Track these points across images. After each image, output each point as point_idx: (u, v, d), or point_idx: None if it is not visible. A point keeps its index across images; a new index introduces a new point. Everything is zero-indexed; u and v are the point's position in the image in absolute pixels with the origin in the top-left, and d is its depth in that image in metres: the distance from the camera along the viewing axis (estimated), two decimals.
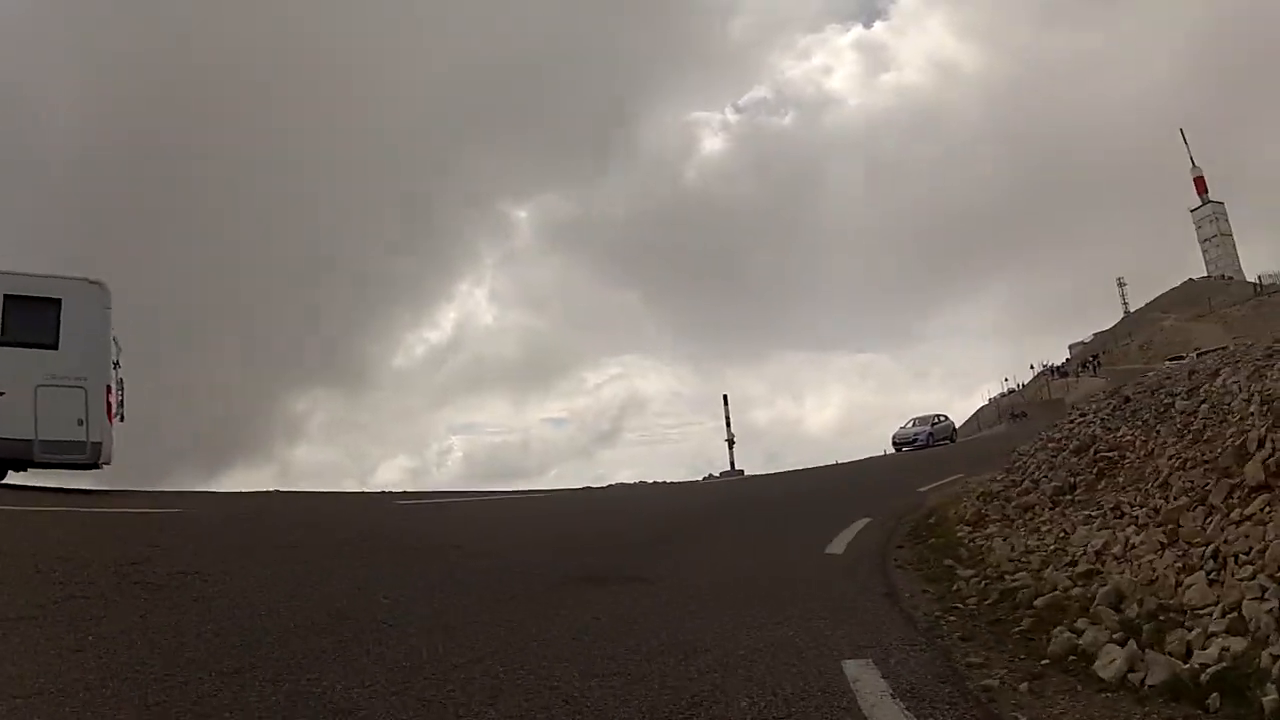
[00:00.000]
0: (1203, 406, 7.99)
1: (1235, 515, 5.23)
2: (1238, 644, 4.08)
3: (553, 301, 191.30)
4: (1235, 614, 4.37)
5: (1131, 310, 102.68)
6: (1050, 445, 11.87)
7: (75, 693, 3.63)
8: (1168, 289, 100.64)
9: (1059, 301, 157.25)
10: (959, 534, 9.26)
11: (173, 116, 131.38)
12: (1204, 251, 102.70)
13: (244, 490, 18.03)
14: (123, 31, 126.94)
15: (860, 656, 4.54)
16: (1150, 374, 18.30)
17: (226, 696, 3.70)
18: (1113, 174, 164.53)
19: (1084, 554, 6.45)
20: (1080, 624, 4.87)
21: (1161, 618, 4.74)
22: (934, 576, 7.19)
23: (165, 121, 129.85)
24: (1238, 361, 9.46)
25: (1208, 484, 5.87)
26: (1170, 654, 4.26)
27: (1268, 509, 5.02)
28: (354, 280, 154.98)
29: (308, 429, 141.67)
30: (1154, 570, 5.42)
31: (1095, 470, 8.86)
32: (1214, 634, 4.29)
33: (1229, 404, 7.49)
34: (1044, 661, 4.54)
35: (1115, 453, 8.89)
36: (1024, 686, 4.15)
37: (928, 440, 40.82)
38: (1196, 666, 4.03)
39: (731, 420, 52.89)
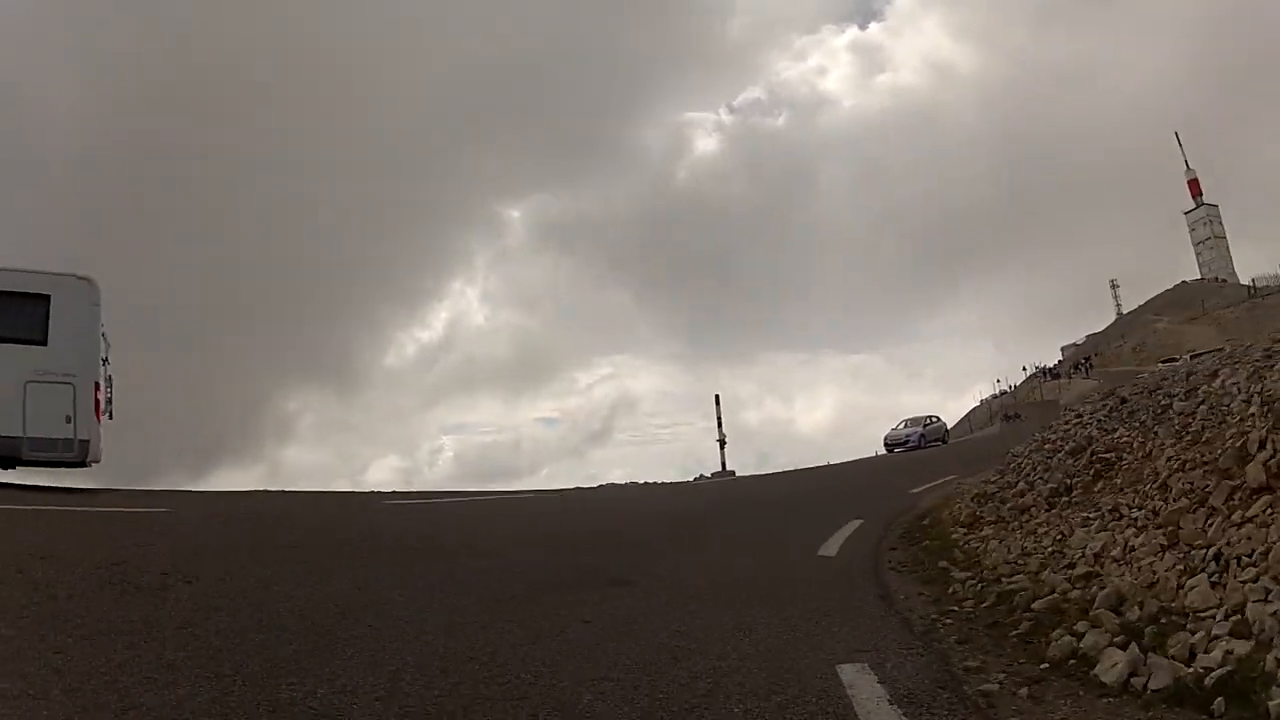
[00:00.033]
0: (1201, 408, 7.92)
1: (1237, 517, 5.17)
2: (1242, 647, 4.01)
3: (544, 301, 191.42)
4: (1238, 617, 4.30)
5: (1124, 312, 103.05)
6: (1045, 446, 11.78)
7: (53, 695, 3.56)
8: (1161, 291, 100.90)
9: (1052, 303, 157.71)
10: (953, 536, 9.19)
11: (172, 116, 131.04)
12: (1198, 254, 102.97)
13: (233, 490, 17.89)
14: (123, 31, 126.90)
15: (856, 661, 4.46)
16: (1144, 375, 18.28)
17: (206, 700, 3.62)
18: (1107, 176, 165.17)
19: (1082, 556, 6.37)
20: (1080, 627, 4.78)
21: (1163, 621, 4.67)
22: (929, 579, 7.10)
23: (165, 121, 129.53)
24: (1236, 362, 9.37)
25: (1208, 485, 5.79)
26: (1173, 658, 4.18)
27: (1270, 511, 4.96)
28: (346, 279, 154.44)
29: (298, 428, 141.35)
30: (1154, 572, 5.34)
31: (1092, 472, 8.78)
32: (1217, 637, 4.22)
33: (1228, 405, 7.41)
34: (1044, 665, 4.45)
35: (1112, 454, 8.80)
36: (1024, 691, 4.06)
37: (920, 441, 40.81)
38: (1200, 670, 3.95)
39: (723, 420, 52.74)
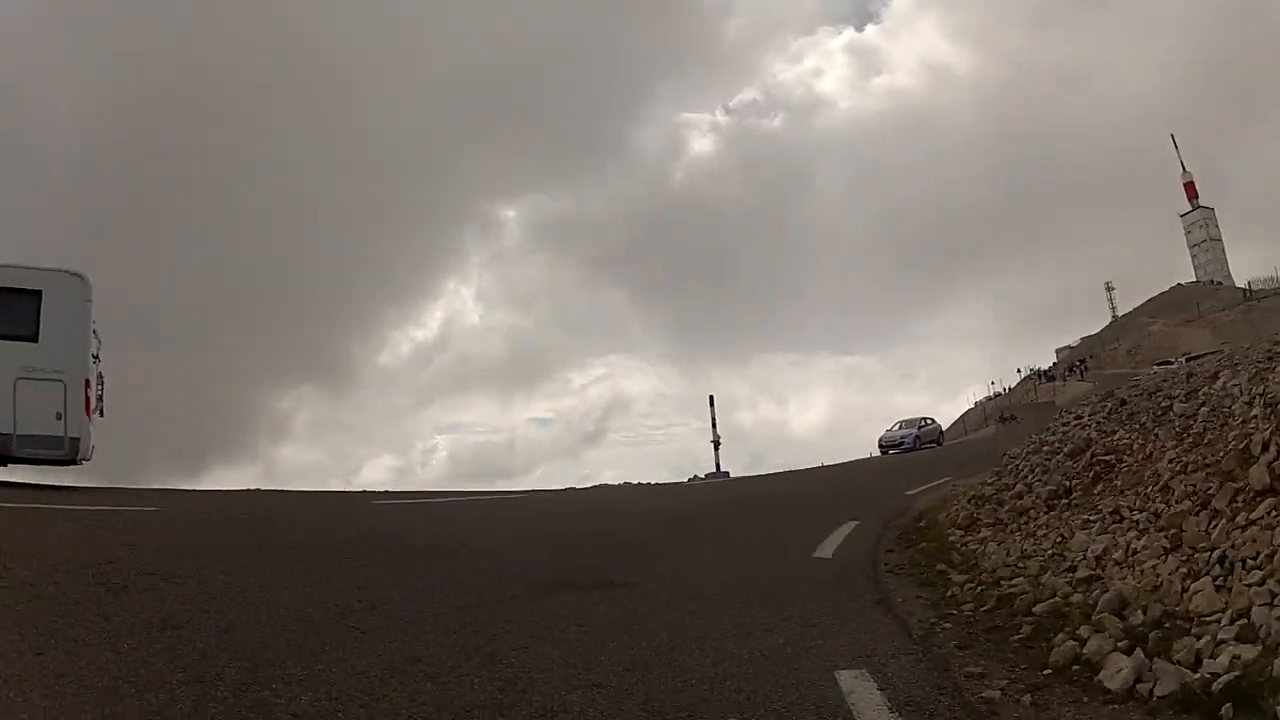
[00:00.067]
0: (1202, 409, 7.86)
1: (1240, 520, 5.08)
2: (1248, 652, 3.91)
3: (539, 301, 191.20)
4: (1244, 621, 4.21)
5: (1119, 315, 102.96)
6: (1043, 448, 11.72)
7: (33, 698, 3.50)
8: (1156, 294, 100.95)
9: (1046, 305, 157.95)
10: (950, 538, 9.10)
11: (172, 116, 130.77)
12: (1193, 257, 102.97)
13: (225, 489, 17.79)
14: (123, 31, 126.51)
15: (854, 667, 4.34)
16: (1140, 378, 18.24)
17: (186, 705, 3.54)
18: (1103, 179, 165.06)
19: (1083, 559, 6.27)
20: (1083, 632, 4.67)
21: (1167, 625, 4.58)
22: (927, 582, 7.01)
23: (164, 121, 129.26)
24: (1237, 364, 9.33)
25: (1210, 488, 5.71)
26: (1179, 663, 4.07)
27: (1274, 513, 4.88)
28: (341, 278, 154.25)
29: (292, 427, 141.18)
30: (1158, 576, 5.25)
31: (1091, 474, 8.71)
32: (1223, 642, 4.12)
33: (1229, 407, 7.36)
34: (1046, 671, 4.34)
35: (1112, 456, 8.74)
36: (1027, 698, 3.96)
37: (914, 443, 40.79)
38: (1207, 676, 3.85)
39: (717, 421, 52.75)
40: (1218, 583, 4.75)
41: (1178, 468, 6.62)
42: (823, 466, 34.73)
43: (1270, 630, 3.99)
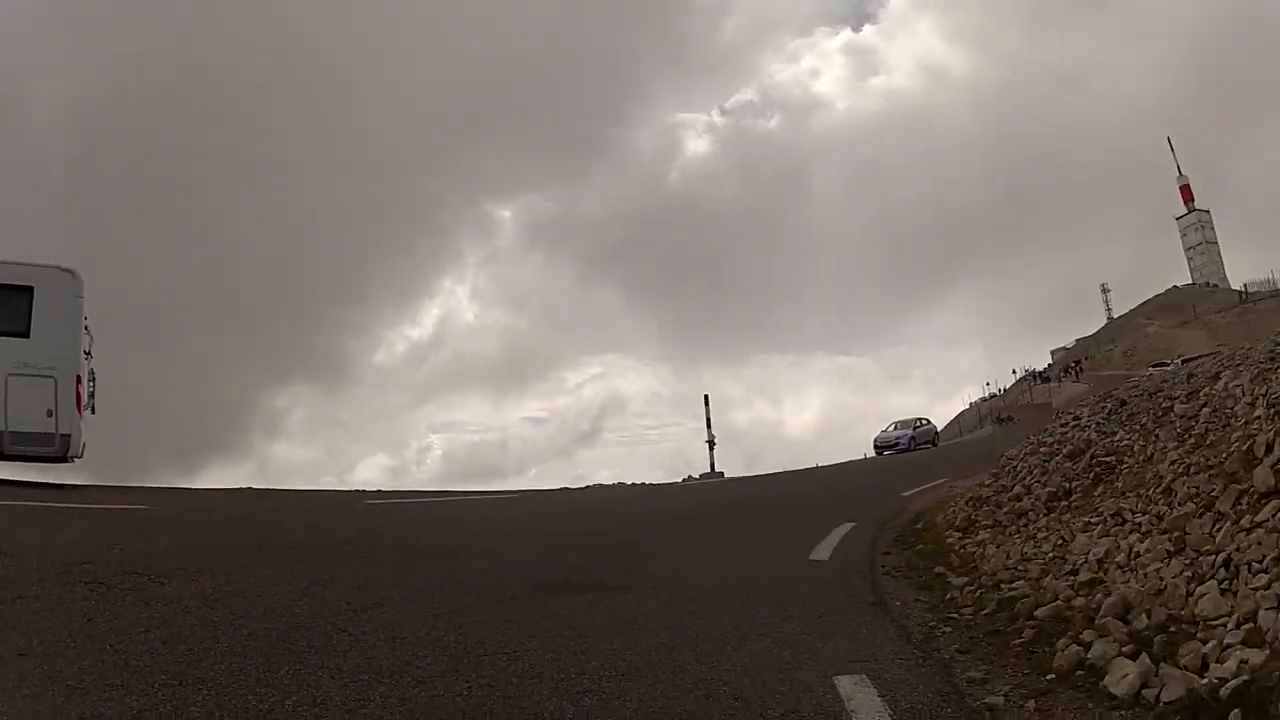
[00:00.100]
0: (1204, 410, 7.79)
1: (1245, 522, 5.00)
2: (1256, 656, 3.82)
3: (534, 300, 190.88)
4: (1251, 625, 4.12)
5: (1115, 316, 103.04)
6: (1042, 450, 11.64)
7: (15, 700, 3.45)
8: (1152, 295, 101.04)
9: (1042, 306, 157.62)
10: (948, 540, 9.00)
11: (171, 116, 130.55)
12: (1189, 259, 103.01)
13: (218, 487, 17.67)
14: (123, 31, 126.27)
15: (853, 672, 4.25)
16: (1134, 379, 18.20)
17: (167, 709, 3.47)
18: (1099, 180, 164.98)
19: (1085, 562, 6.18)
20: (1087, 636, 4.58)
21: (1172, 629, 4.49)
22: (925, 584, 6.92)
23: (164, 121, 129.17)
24: (1238, 364, 9.25)
25: (1214, 490, 5.64)
26: (1185, 668, 3.99)
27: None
28: (336, 276, 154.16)
29: (287, 425, 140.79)
30: (1161, 579, 5.16)
31: (1092, 475, 8.63)
32: (1230, 646, 4.02)
33: (1231, 408, 7.29)
34: (1050, 676, 4.26)
35: (1112, 457, 8.66)
36: (1030, 704, 3.89)
37: (909, 444, 40.66)
38: (1215, 681, 3.76)
39: (712, 421, 52.61)
40: (1223, 586, 4.67)
41: (1180, 469, 6.55)
42: (817, 467, 34.70)
43: (1277, 634, 3.92)
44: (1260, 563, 4.55)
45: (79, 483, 13.91)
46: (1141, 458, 7.96)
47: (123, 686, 3.65)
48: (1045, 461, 10.68)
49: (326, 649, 4.37)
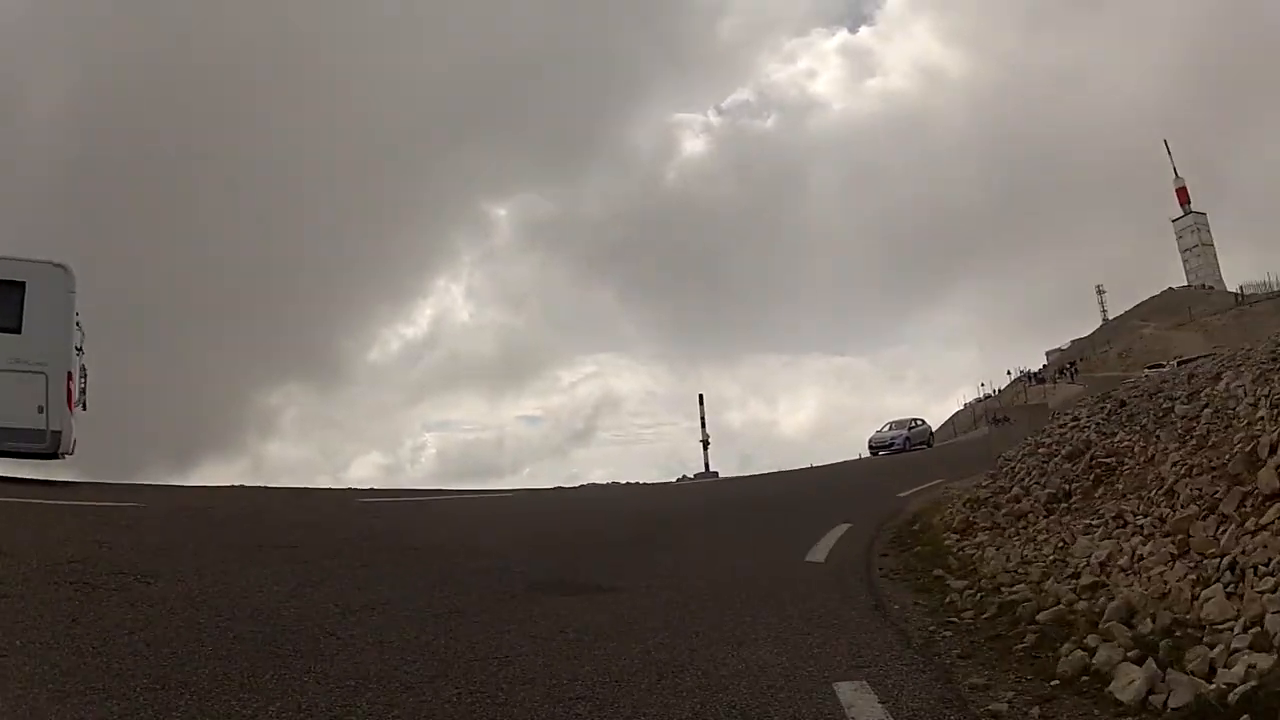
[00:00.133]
0: (1205, 411, 7.72)
1: (1250, 525, 4.94)
2: (1264, 661, 3.74)
3: (529, 299, 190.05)
4: (1258, 629, 4.05)
5: (1110, 318, 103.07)
6: (1040, 451, 11.57)
7: None
8: (1147, 297, 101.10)
9: (1037, 308, 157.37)
10: (946, 542, 8.92)
11: (170, 116, 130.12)
12: (1185, 261, 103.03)
13: (210, 485, 17.58)
14: (123, 31, 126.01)
15: (853, 678, 4.15)
16: (1131, 380, 18.16)
17: (148, 715, 3.39)
18: (1096, 181, 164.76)
19: (1087, 565, 6.10)
20: (1091, 641, 4.50)
21: (1178, 634, 4.41)
22: (923, 587, 6.83)
23: (163, 121, 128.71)
24: (1239, 365, 9.18)
25: (1217, 492, 5.58)
26: (1192, 673, 3.91)
27: None
28: (331, 275, 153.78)
29: (282, 423, 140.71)
30: (1165, 583, 5.08)
31: (1092, 477, 8.56)
32: (1237, 651, 3.95)
33: (1233, 409, 7.22)
34: (1054, 682, 4.16)
35: (1113, 459, 8.59)
36: (1035, 711, 3.79)
37: (904, 444, 40.70)
38: (1223, 686, 3.69)
39: (706, 421, 52.55)
40: (1229, 590, 4.60)
41: (1182, 471, 6.48)
42: (812, 467, 34.66)
43: None
44: (1266, 566, 4.49)
45: (71, 480, 13.81)
46: (1142, 459, 7.89)
47: (104, 690, 3.58)
48: (1044, 463, 10.61)
49: (313, 653, 4.28)
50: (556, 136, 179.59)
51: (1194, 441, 7.04)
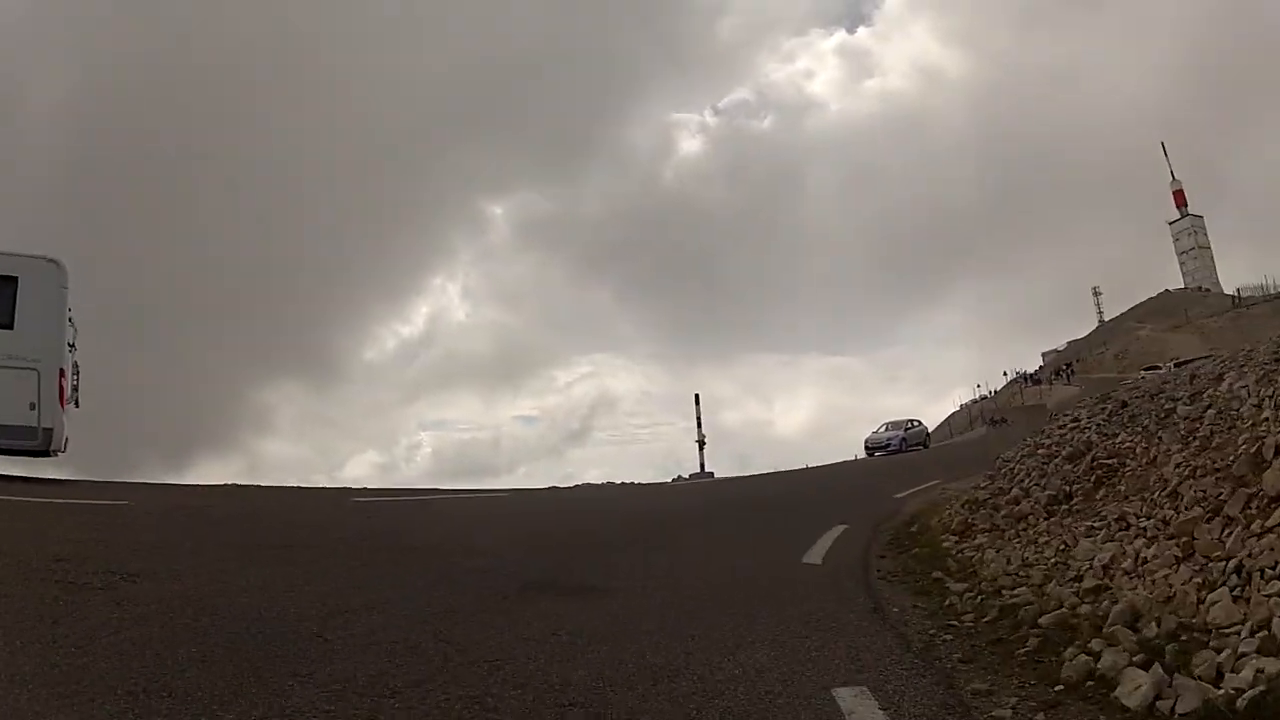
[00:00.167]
0: (1209, 412, 7.65)
1: (1256, 527, 4.85)
2: (1272, 665, 3.67)
3: (526, 298, 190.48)
4: (1265, 633, 3.97)
5: (1106, 319, 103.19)
6: (1040, 452, 11.49)
7: None
8: (1144, 299, 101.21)
9: (1033, 309, 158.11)
10: (945, 544, 8.84)
11: (170, 116, 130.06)
12: (1181, 264, 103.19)
13: (203, 484, 17.47)
14: (122, 31, 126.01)
15: (853, 683, 4.06)
16: (1127, 381, 18.10)
17: None
18: (1094, 183, 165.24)
19: (1090, 568, 6.01)
20: (1095, 645, 4.41)
21: (1184, 638, 4.33)
22: (922, 590, 6.74)
23: (162, 121, 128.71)
24: (1242, 366, 9.10)
25: (1221, 493, 5.48)
26: (1200, 678, 3.82)
27: None
28: (328, 273, 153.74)
29: (277, 422, 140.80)
30: (1170, 586, 5.00)
31: (1093, 478, 8.47)
32: (1245, 655, 3.87)
33: (1237, 409, 7.14)
34: (1058, 688, 4.08)
35: (1114, 460, 8.51)
36: (1040, 718, 3.71)
37: (901, 445, 40.62)
38: (1231, 691, 3.61)
39: (702, 421, 52.53)
40: (1235, 593, 4.53)
41: (1185, 472, 6.38)
42: (808, 468, 34.60)
43: None
44: (1273, 568, 4.43)
45: (60, 477, 13.71)
46: (1144, 460, 7.80)
47: (84, 694, 3.49)
48: (1044, 464, 10.53)
49: (299, 656, 4.16)
50: (555, 136, 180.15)
51: (1197, 443, 6.96)
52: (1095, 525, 7.05)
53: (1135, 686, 3.81)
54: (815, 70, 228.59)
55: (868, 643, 4.94)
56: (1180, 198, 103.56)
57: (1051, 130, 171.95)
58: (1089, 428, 11.00)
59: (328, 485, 19.99)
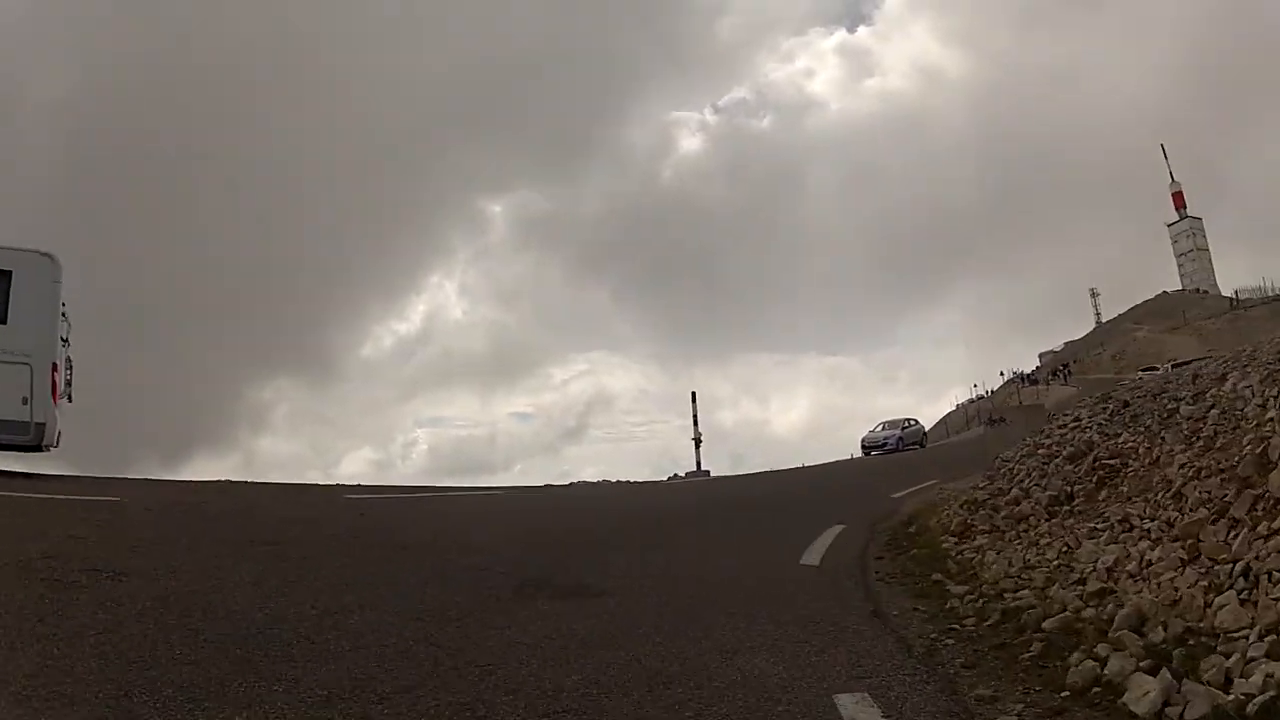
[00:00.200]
0: (1212, 412, 7.56)
1: (1263, 529, 4.77)
2: None
3: (523, 297, 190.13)
4: (1274, 637, 3.91)
5: (1104, 320, 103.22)
6: (1040, 452, 11.39)
7: None
8: (1141, 300, 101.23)
9: (1030, 309, 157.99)
10: (944, 545, 8.73)
11: (170, 116, 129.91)
12: (1179, 265, 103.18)
13: (197, 480, 17.34)
14: (122, 31, 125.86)
15: (854, 689, 3.96)
16: (1125, 382, 18.03)
17: None
18: (1093, 183, 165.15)
19: (1093, 571, 5.91)
20: (1101, 650, 4.32)
21: (1191, 642, 4.26)
22: (922, 592, 6.63)
23: (162, 120, 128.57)
24: (1246, 366, 9.02)
25: (1227, 495, 5.40)
26: (1208, 684, 3.75)
27: None
28: (325, 271, 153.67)
29: (273, 419, 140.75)
30: (1176, 589, 4.91)
31: (1095, 479, 8.39)
32: (1254, 660, 3.81)
33: (1241, 409, 7.06)
34: (1064, 694, 3.99)
35: (1117, 460, 8.42)
36: None
37: (897, 444, 40.45)
38: (1240, 697, 3.54)
39: (699, 419, 52.39)
40: (1243, 596, 4.46)
41: (1190, 473, 6.30)
42: (804, 467, 34.51)
43: None
44: None
45: (53, 472, 13.60)
46: (1147, 461, 7.71)
47: (67, 696, 3.43)
48: (1044, 464, 10.43)
49: (286, 659, 4.08)
50: (555, 136, 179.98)
51: (1201, 443, 6.87)
52: (1098, 527, 6.96)
53: (1143, 692, 3.73)
54: (815, 70, 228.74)
55: (868, 647, 4.84)
56: (1179, 200, 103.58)
57: (1051, 130, 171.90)
58: (1090, 427, 10.91)
59: (322, 482, 19.87)
